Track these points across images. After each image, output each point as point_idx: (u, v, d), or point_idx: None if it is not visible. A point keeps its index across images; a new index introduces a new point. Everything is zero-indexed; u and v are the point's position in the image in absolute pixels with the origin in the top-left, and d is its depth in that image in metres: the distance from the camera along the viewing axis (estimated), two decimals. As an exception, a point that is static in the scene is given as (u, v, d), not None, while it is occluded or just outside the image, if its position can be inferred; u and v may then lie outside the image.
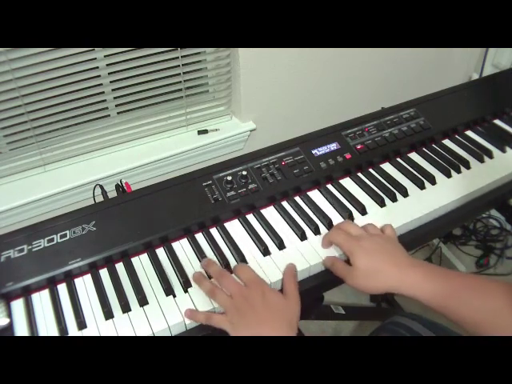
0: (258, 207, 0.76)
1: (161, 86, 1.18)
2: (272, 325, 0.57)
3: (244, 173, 0.77)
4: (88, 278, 0.66)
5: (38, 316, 0.61)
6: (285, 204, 0.77)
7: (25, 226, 0.70)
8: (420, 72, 1.61)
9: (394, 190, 0.79)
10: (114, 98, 1.14)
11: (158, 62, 1.13)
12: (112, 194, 0.83)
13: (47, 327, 0.60)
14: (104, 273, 0.67)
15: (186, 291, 0.64)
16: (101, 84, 1.09)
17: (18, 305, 0.63)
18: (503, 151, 0.89)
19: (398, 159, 0.86)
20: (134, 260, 0.68)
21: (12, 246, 0.66)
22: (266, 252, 0.68)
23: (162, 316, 0.60)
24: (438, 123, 0.91)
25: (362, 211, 0.75)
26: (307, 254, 0.68)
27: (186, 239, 0.71)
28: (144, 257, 0.69)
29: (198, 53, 1.20)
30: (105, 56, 1.06)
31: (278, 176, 0.78)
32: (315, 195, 0.79)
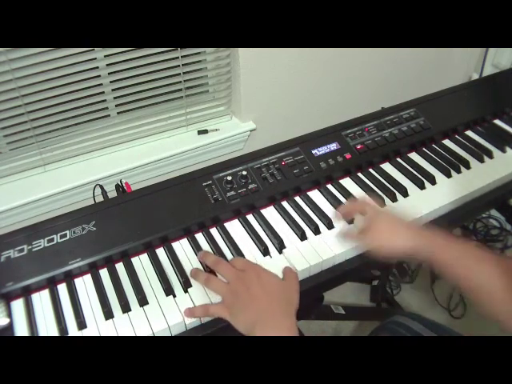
0: (258, 207, 0.76)
1: (161, 86, 1.18)
2: (268, 306, 0.57)
3: (244, 173, 0.77)
4: (88, 277, 0.66)
5: (38, 316, 0.61)
6: (285, 204, 0.77)
7: (25, 226, 0.70)
8: (420, 72, 1.61)
9: (394, 190, 0.79)
10: (114, 98, 1.14)
11: (158, 62, 1.13)
12: (112, 194, 0.83)
13: (47, 327, 0.60)
14: (104, 273, 0.67)
15: (186, 291, 0.64)
16: (101, 84, 1.09)
17: (18, 305, 0.63)
18: (503, 151, 0.89)
19: (398, 159, 0.86)
20: (134, 260, 0.68)
21: (12, 246, 0.66)
22: (265, 252, 0.68)
23: (162, 316, 0.60)
24: (438, 123, 0.91)
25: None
26: (307, 254, 0.68)
27: (185, 239, 0.71)
28: (144, 257, 0.69)
29: (198, 53, 1.20)
30: (105, 56, 1.06)
31: (278, 176, 0.78)
32: (315, 195, 0.79)
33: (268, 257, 0.68)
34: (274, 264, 0.66)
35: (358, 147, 0.85)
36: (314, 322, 1.45)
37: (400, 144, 0.87)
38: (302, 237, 0.71)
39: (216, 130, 1.29)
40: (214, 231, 0.73)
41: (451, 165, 0.84)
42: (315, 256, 0.68)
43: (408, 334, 0.78)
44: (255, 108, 1.31)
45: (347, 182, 0.81)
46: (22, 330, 0.60)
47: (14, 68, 0.96)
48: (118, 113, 1.18)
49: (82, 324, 0.60)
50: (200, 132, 1.27)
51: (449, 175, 0.82)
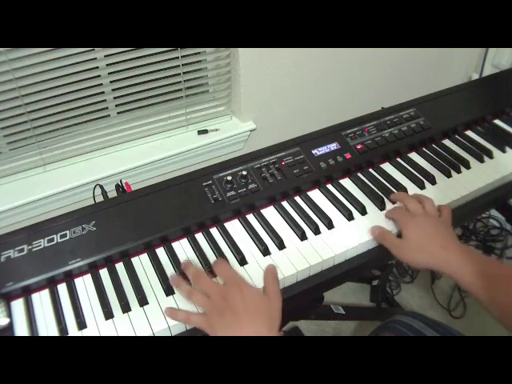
0: (258, 207, 0.76)
1: (161, 86, 1.18)
2: (251, 323, 0.56)
3: (244, 173, 0.77)
4: (88, 277, 0.66)
5: (38, 316, 0.61)
6: (285, 204, 0.77)
7: (25, 226, 0.70)
8: (420, 72, 1.61)
9: (394, 190, 0.79)
10: (114, 98, 1.14)
11: (158, 62, 1.13)
12: (112, 194, 0.83)
13: (47, 327, 0.60)
14: (104, 273, 0.67)
15: (186, 291, 0.63)
16: (101, 84, 1.09)
17: (18, 305, 0.63)
18: (503, 151, 0.89)
19: (398, 159, 0.86)
20: (134, 260, 0.68)
21: (12, 246, 0.66)
22: (265, 252, 0.68)
23: (162, 316, 0.60)
24: (438, 123, 0.91)
25: (362, 211, 0.75)
26: (307, 253, 0.68)
27: (185, 239, 0.71)
28: (144, 257, 0.69)
29: (198, 53, 1.20)
30: (105, 56, 1.06)
31: (278, 176, 0.78)
32: (315, 195, 0.79)
33: (268, 257, 0.68)
34: (275, 264, 0.66)
35: (358, 147, 0.85)
36: (313, 321, 1.45)
37: (400, 144, 0.87)
38: (302, 237, 0.71)
39: (216, 130, 1.29)
40: (214, 231, 0.73)
41: (451, 165, 0.84)
42: (315, 256, 0.68)
43: (410, 333, 0.78)
44: (255, 108, 1.31)
45: (347, 182, 0.81)
46: (21, 329, 0.60)
47: (14, 68, 0.96)
48: (118, 113, 1.18)
49: (81, 324, 0.60)
50: (200, 132, 1.27)
51: (449, 175, 0.82)
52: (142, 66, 1.11)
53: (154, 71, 1.14)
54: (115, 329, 0.59)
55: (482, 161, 0.86)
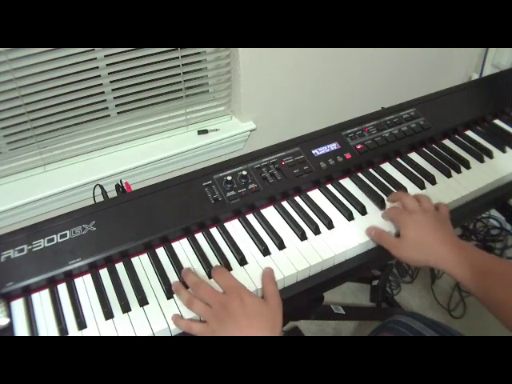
0: (258, 207, 0.76)
1: (161, 86, 1.18)
2: (252, 331, 0.56)
3: (244, 173, 0.77)
4: (88, 278, 0.66)
5: (38, 316, 0.61)
6: (285, 204, 0.77)
7: (25, 226, 0.70)
8: (420, 72, 1.61)
9: (394, 190, 0.79)
10: (114, 98, 1.14)
11: (158, 62, 1.13)
12: (112, 194, 0.83)
13: (47, 327, 0.60)
14: (104, 273, 0.66)
15: (186, 291, 0.63)
16: (101, 84, 1.09)
17: (18, 305, 0.63)
18: (503, 151, 0.89)
19: (398, 159, 0.86)
20: (134, 260, 0.68)
21: (12, 246, 0.66)
22: (265, 252, 0.68)
23: (161, 316, 0.60)
24: (438, 123, 0.91)
25: (362, 211, 0.75)
26: (307, 254, 0.68)
27: (185, 239, 0.71)
28: (144, 257, 0.69)
29: (198, 53, 1.20)
30: (105, 56, 1.06)
31: (278, 176, 0.78)
32: (315, 195, 0.79)
33: (268, 257, 0.68)
34: (275, 264, 0.67)
35: (358, 147, 0.85)
36: (313, 321, 1.45)
37: (400, 144, 0.87)
38: (302, 237, 0.71)
39: (216, 130, 1.29)
40: (214, 231, 0.73)
41: (451, 165, 0.84)
42: (315, 256, 0.68)
43: (410, 333, 0.78)
44: (255, 108, 1.31)
45: (347, 182, 0.81)
46: (21, 330, 0.59)
47: (14, 68, 0.96)
48: (118, 113, 1.18)
49: (81, 324, 0.60)
50: (200, 132, 1.27)
51: (449, 175, 0.82)
52: (141, 65, 1.11)
53: (154, 71, 1.14)
54: (115, 329, 0.59)
55: (481, 161, 0.86)
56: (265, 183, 0.77)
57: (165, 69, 1.15)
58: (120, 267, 0.67)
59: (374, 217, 0.74)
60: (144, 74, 1.13)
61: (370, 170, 0.84)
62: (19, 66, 0.97)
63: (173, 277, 0.66)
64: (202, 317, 0.59)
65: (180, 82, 1.19)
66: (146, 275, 0.66)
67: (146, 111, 1.21)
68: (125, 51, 1.07)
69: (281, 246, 0.69)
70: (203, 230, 0.72)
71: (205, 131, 1.28)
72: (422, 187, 0.80)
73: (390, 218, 0.72)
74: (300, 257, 0.68)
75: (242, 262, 0.67)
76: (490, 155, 0.87)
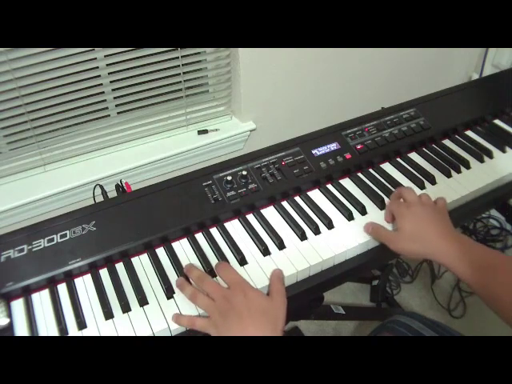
0: (258, 207, 0.76)
1: (161, 86, 1.18)
2: (255, 326, 0.56)
3: (244, 173, 0.77)
4: (88, 278, 0.66)
5: (38, 316, 0.61)
6: (285, 204, 0.77)
7: (25, 226, 0.70)
8: (420, 72, 1.61)
9: (394, 190, 0.79)
10: (114, 97, 1.14)
11: (158, 62, 1.13)
12: (112, 194, 0.83)
13: (47, 327, 0.60)
14: (104, 273, 0.67)
15: (186, 291, 0.63)
16: (101, 84, 1.09)
17: (18, 305, 0.63)
18: (503, 151, 0.89)
19: (398, 159, 0.86)
20: (134, 260, 0.68)
21: (12, 246, 0.66)
22: (265, 252, 0.68)
23: (161, 316, 0.60)
24: (438, 123, 0.91)
25: (362, 211, 0.75)
26: (307, 253, 0.68)
27: (185, 239, 0.71)
28: (144, 257, 0.69)
29: (198, 53, 1.20)
30: (105, 56, 1.06)
31: (278, 176, 0.78)
32: (315, 195, 0.79)
33: (268, 257, 0.68)
34: (274, 264, 0.67)
35: (358, 147, 0.85)
36: (313, 321, 1.45)
37: (400, 144, 0.87)
38: (302, 237, 0.71)
39: (216, 130, 1.29)
40: (214, 231, 0.73)
41: (451, 165, 0.84)
42: (315, 256, 0.68)
43: (409, 333, 0.78)
44: (255, 108, 1.31)
45: (347, 182, 0.81)
46: (21, 329, 0.59)
47: (14, 68, 0.96)
48: (118, 113, 1.18)
49: (81, 324, 0.60)
50: (200, 132, 1.27)
51: (449, 175, 0.82)
52: (141, 65, 1.11)
53: (154, 71, 1.14)
54: (115, 329, 0.59)
55: (481, 161, 0.86)
56: (265, 183, 0.77)
57: (165, 69, 1.15)
58: (120, 267, 0.67)
59: (374, 217, 0.74)
60: (144, 73, 1.13)
61: (370, 170, 0.84)
62: (19, 66, 0.97)
63: (173, 277, 0.66)
64: (205, 310, 0.60)
65: (180, 82, 1.19)
66: (146, 275, 0.66)
67: (146, 111, 1.21)
68: (125, 51, 1.07)
69: (281, 245, 0.69)
70: (203, 230, 0.72)
71: (205, 131, 1.28)
72: (422, 187, 0.80)
73: (390, 210, 0.72)
74: (300, 257, 0.68)
75: (242, 261, 0.67)
76: (490, 155, 0.87)
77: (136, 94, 1.16)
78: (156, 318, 0.60)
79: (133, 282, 0.65)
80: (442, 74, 1.67)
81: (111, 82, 1.10)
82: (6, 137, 1.06)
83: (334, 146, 0.84)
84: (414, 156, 0.87)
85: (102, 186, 0.87)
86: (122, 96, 1.14)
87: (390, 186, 0.80)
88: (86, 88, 1.08)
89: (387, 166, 0.85)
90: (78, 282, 0.66)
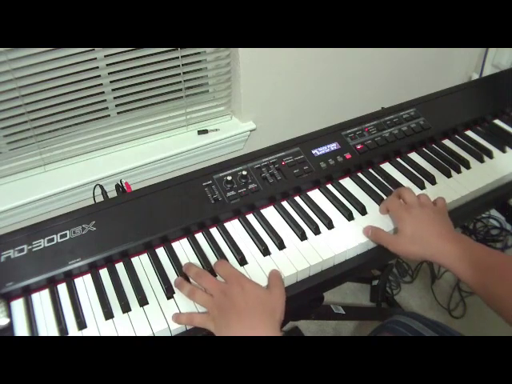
0: (258, 207, 0.76)
1: (161, 86, 1.18)
2: (252, 317, 0.56)
3: (244, 173, 0.77)
4: (88, 278, 0.66)
5: (38, 316, 0.61)
6: (285, 204, 0.77)
7: (25, 226, 0.70)
8: (420, 72, 1.61)
9: (394, 190, 0.79)
10: (114, 98, 1.14)
11: (158, 62, 1.13)
12: (112, 194, 0.83)
13: (47, 327, 0.60)
14: (104, 273, 0.67)
15: (186, 291, 0.63)
16: (101, 84, 1.09)
17: (18, 305, 0.63)
18: (503, 151, 0.89)
19: (398, 159, 0.86)
20: (134, 260, 0.68)
21: (12, 246, 0.66)
22: (265, 252, 0.68)
23: (161, 316, 0.60)
24: (438, 123, 0.91)
25: (362, 211, 0.75)
26: (307, 253, 0.68)
27: (186, 239, 0.71)
28: (144, 257, 0.69)
29: (198, 53, 1.20)
30: (105, 56, 1.06)
31: (278, 176, 0.78)
32: (315, 195, 0.79)
33: (268, 257, 0.68)
34: (274, 264, 0.67)
35: (358, 147, 0.85)
36: (313, 321, 1.45)
37: (400, 144, 0.87)
38: (302, 237, 0.71)
39: (216, 130, 1.29)
40: (214, 231, 0.73)
41: (451, 165, 0.84)
42: (315, 256, 0.68)
43: (409, 333, 0.78)
44: (255, 108, 1.31)
45: (347, 182, 0.81)
46: (21, 330, 0.59)
47: (14, 68, 0.96)
48: (118, 113, 1.18)
49: (81, 324, 0.60)
50: (200, 132, 1.27)
51: (449, 175, 0.82)
52: (141, 65, 1.11)
53: (154, 71, 1.14)
54: (115, 329, 0.59)
55: (481, 161, 0.86)
56: (265, 183, 0.77)
57: (165, 69, 1.15)
58: (120, 267, 0.67)
59: (374, 217, 0.74)
60: (144, 74, 1.13)
61: (370, 170, 0.84)
62: (19, 66, 0.97)
63: (173, 277, 0.66)
64: (204, 306, 0.60)
65: (180, 82, 1.19)
66: (146, 275, 0.66)
67: (146, 111, 1.21)
68: (125, 51, 1.07)
69: (281, 245, 0.69)
70: (203, 230, 0.72)
71: (205, 131, 1.28)
72: (422, 187, 0.80)
73: (390, 210, 0.72)
74: (300, 257, 0.68)
75: (242, 261, 0.67)
76: (490, 155, 0.87)
77: (136, 94, 1.16)
78: (156, 317, 0.60)
79: (133, 282, 0.65)
80: (442, 74, 1.67)
81: (111, 82, 1.10)
82: (6, 137, 1.06)
83: (333, 146, 0.84)
84: (414, 156, 0.87)
85: (102, 186, 0.87)
86: (122, 96, 1.14)
87: (389, 186, 0.80)
88: (86, 88, 1.08)
89: (387, 166, 0.85)
90: (78, 282, 0.66)
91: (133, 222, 0.70)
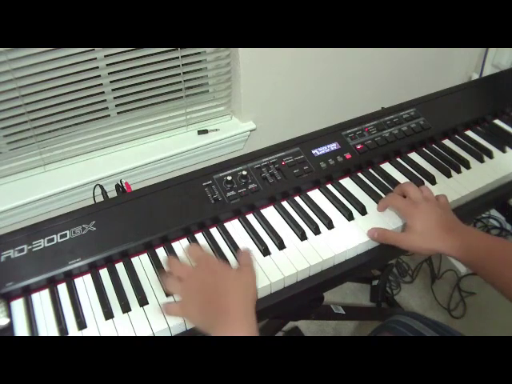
0: (258, 207, 0.76)
1: (161, 86, 1.18)
2: (224, 298, 0.55)
3: (244, 173, 0.77)
4: (88, 277, 0.66)
5: (38, 316, 0.61)
6: (285, 204, 0.77)
7: (25, 226, 0.70)
8: (420, 72, 1.61)
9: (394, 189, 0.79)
10: (114, 98, 1.14)
11: (158, 62, 1.13)
12: (112, 194, 0.83)
13: (47, 327, 0.60)
14: (104, 273, 0.67)
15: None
16: (101, 84, 1.09)
17: (18, 305, 0.63)
18: (503, 151, 0.89)
19: (398, 159, 0.86)
20: (134, 260, 0.68)
21: (12, 246, 0.66)
22: (265, 252, 0.68)
23: (161, 316, 0.60)
24: (438, 123, 0.91)
25: (362, 211, 0.75)
26: (307, 253, 0.68)
27: (185, 239, 0.71)
28: (144, 257, 0.69)
29: (198, 53, 1.20)
30: (105, 56, 1.06)
31: (278, 176, 0.78)
32: (315, 195, 0.79)
33: (268, 257, 0.68)
34: (275, 264, 0.66)
35: (358, 147, 0.85)
36: (313, 321, 1.45)
37: (400, 144, 0.87)
38: (302, 237, 0.71)
39: (216, 130, 1.29)
40: (214, 231, 0.73)
41: (451, 165, 0.84)
42: (315, 256, 0.68)
43: (409, 333, 0.78)
44: (255, 108, 1.31)
45: (347, 182, 0.81)
46: (21, 329, 0.60)
47: (14, 68, 0.96)
48: (118, 113, 1.18)
49: (81, 324, 0.60)
50: (200, 132, 1.27)
51: (449, 175, 0.82)
52: (141, 65, 1.11)
53: (154, 71, 1.14)
54: (115, 329, 0.59)
55: (481, 161, 0.86)
56: (265, 183, 0.77)
57: (165, 69, 1.15)
58: (120, 267, 0.67)
59: (374, 217, 0.74)
60: (144, 74, 1.13)
61: (370, 170, 0.84)
62: (19, 66, 0.97)
63: (173, 277, 0.66)
64: (175, 293, 0.60)
65: (180, 82, 1.19)
66: (146, 275, 0.66)
67: (146, 111, 1.21)
68: (125, 51, 1.07)
69: (281, 245, 0.69)
70: (203, 229, 0.72)
71: (205, 131, 1.28)
72: (422, 187, 0.80)
73: (396, 208, 0.73)
74: (300, 257, 0.68)
75: (242, 261, 0.67)
76: (490, 155, 0.87)
77: (136, 94, 1.16)
78: (156, 317, 0.60)
79: (133, 282, 0.65)
80: (442, 74, 1.67)
81: (111, 82, 1.10)
82: (6, 137, 1.06)
83: (333, 146, 0.84)
84: (413, 156, 0.87)
85: (102, 186, 0.87)
86: (122, 96, 1.14)
87: (389, 186, 0.80)
88: (86, 88, 1.08)
89: (387, 166, 0.85)
90: (78, 282, 0.66)
91: (133, 221, 0.70)
